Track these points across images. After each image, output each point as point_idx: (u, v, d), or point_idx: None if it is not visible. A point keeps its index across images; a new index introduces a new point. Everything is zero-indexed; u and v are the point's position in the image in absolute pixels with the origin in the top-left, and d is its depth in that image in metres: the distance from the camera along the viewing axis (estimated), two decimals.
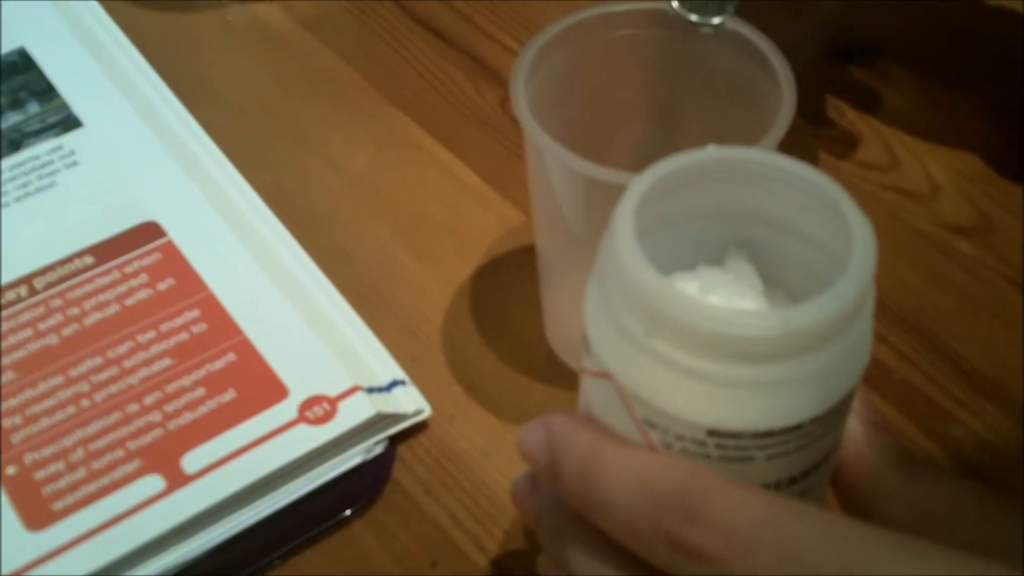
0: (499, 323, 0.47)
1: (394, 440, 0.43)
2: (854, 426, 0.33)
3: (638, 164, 0.41)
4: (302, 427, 0.41)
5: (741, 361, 0.29)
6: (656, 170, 0.32)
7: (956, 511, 0.32)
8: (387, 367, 0.44)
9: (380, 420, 0.42)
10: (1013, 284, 0.48)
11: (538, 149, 0.39)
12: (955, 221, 0.50)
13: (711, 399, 0.29)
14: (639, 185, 0.31)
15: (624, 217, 0.30)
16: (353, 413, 0.42)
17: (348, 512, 0.41)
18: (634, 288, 0.29)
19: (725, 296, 0.32)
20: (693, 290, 0.32)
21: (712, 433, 0.30)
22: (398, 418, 0.43)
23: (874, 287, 0.30)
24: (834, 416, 0.31)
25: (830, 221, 0.31)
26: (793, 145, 0.42)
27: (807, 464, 0.31)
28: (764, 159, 0.32)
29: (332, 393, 0.42)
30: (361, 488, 0.42)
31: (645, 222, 0.31)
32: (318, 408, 0.42)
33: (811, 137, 0.53)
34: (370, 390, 0.43)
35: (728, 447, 0.30)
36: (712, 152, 0.32)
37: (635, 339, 0.30)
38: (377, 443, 0.42)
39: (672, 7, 0.41)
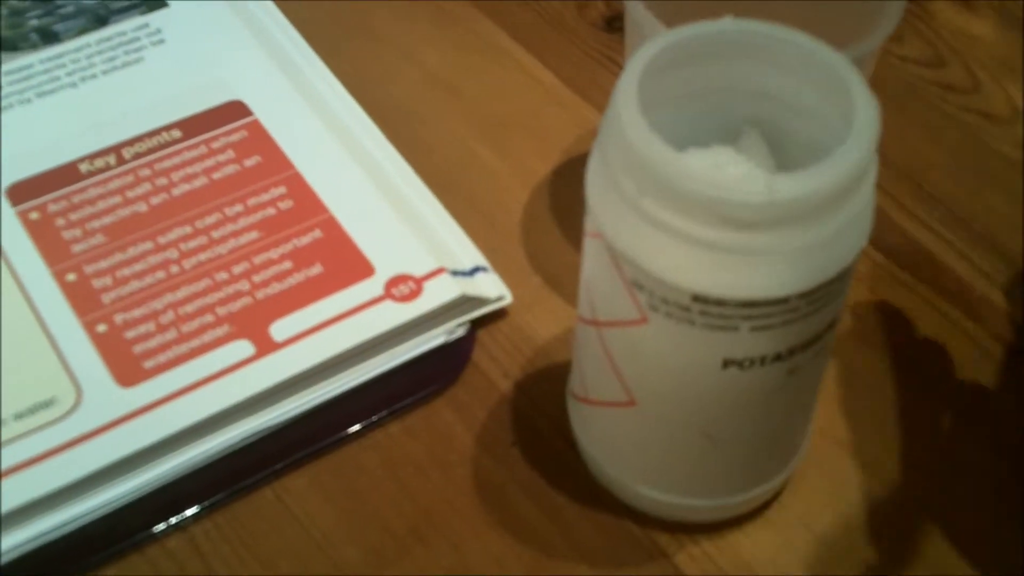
0: (577, 218, 0.47)
1: (475, 324, 0.43)
2: None
3: None
4: (388, 303, 0.42)
5: (728, 227, 0.29)
6: (668, 36, 0.32)
7: None
8: (469, 253, 0.45)
9: (463, 303, 0.42)
10: None
11: (640, 28, 0.39)
12: None
13: (697, 263, 0.29)
14: (647, 49, 0.31)
15: (627, 77, 0.30)
16: (438, 293, 0.42)
17: (430, 389, 0.41)
18: (628, 146, 0.29)
19: (734, 173, 0.32)
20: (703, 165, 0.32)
21: (696, 298, 0.30)
22: (480, 302, 0.43)
23: (875, 167, 0.30)
24: (824, 295, 0.31)
25: (840, 99, 0.30)
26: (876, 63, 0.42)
27: (793, 341, 0.32)
28: (775, 33, 0.32)
29: (418, 273, 0.42)
30: (443, 368, 0.42)
31: (657, 93, 0.31)
32: (404, 287, 0.42)
33: (893, 57, 0.53)
34: (454, 273, 0.43)
35: (712, 314, 0.30)
36: (723, 24, 0.32)
37: (627, 198, 0.30)
38: (459, 325, 0.43)
39: None
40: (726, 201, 0.29)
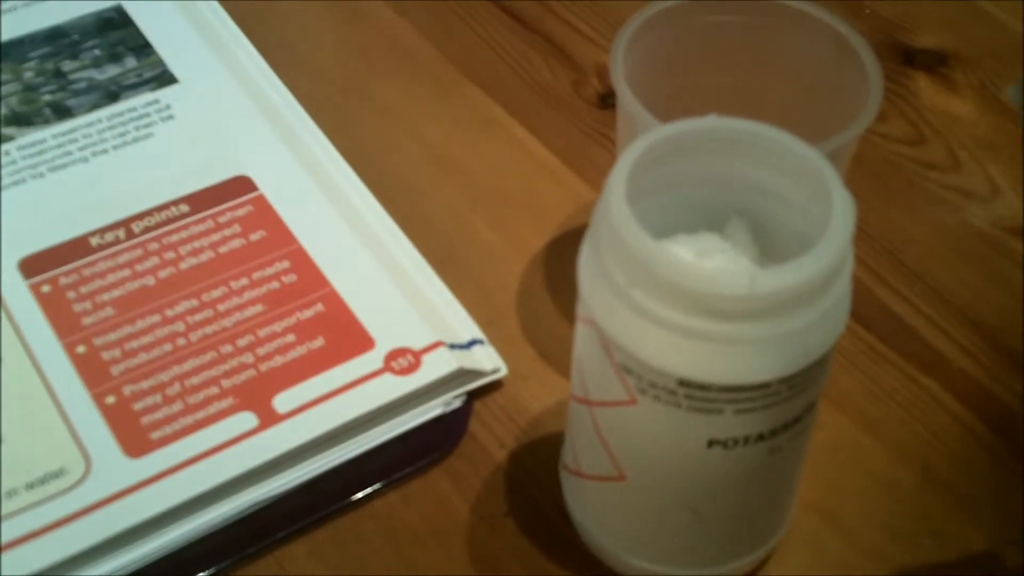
0: (570, 292, 0.48)
1: (471, 396, 0.45)
2: None
3: None
4: (388, 376, 0.43)
5: (711, 317, 0.31)
6: (656, 133, 0.34)
7: None
8: (466, 326, 0.46)
9: (460, 375, 0.44)
10: None
11: (630, 116, 0.40)
12: (1013, 223, 0.52)
13: (682, 350, 0.31)
14: (639, 143, 0.33)
15: (618, 172, 0.32)
16: (436, 366, 0.43)
17: (427, 460, 0.43)
18: (618, 240, 0.31)
19: (720, 261, 0.34)
20: (689, 253, 0.34)
21: (682, 383, 0.32)
22: (477, 374, 0.44)
23: (851, 259, 0.32)
24: (804, 380, 0.33)
25: (818, 192, 0.33)
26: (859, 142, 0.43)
27: (775, 423, 0.34)
28: (756, 130, 0.34)
29: (416, 347, 0.44)
30: (439, 439, 0.43)
31: (647, 183, 0.33)
32: (403, 360, 0.44)
33: (875, 135, 0.55)
34: (452, 346, 0.45)
35: (697, 398, 0.32)
36: (707, 121, 0.34)
37: (617, 288, 0.32)
38: (456, 397, 0.44)
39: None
40: (710, 294, 0.30)
